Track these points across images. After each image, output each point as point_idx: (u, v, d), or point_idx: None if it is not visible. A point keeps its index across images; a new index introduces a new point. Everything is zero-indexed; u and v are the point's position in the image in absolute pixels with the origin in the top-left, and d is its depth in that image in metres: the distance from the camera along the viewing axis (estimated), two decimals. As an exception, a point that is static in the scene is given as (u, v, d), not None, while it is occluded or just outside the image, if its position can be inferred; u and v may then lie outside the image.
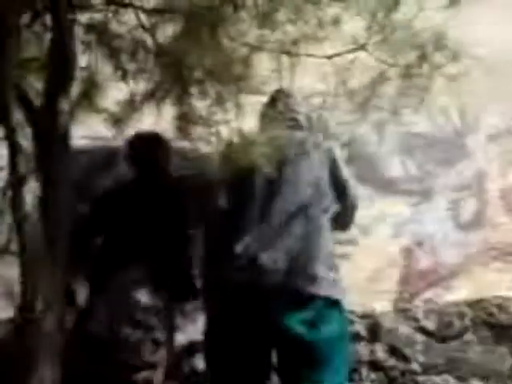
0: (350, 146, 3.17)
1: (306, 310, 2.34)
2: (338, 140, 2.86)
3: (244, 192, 2.46)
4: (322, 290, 2.35)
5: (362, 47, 2.41)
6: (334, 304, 2.39)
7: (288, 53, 2.41)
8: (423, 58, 2.36)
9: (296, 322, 2.32)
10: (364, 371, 3.07)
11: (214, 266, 2.46)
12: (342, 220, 2.60)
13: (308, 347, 2.32)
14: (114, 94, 2.82)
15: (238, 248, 2.37)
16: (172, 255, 2.66)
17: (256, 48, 2.39)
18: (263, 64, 2.41)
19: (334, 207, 2.52)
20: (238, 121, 2.39)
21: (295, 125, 2.59)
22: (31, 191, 2.28)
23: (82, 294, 2.68)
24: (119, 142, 3.23)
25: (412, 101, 2.56)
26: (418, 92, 2.42)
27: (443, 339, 3.13)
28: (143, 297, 2.52)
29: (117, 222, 2.69)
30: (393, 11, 2.37)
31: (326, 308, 2.36)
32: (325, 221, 2.47)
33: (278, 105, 2.59)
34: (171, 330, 2.61)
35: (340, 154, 2.61)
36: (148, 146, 2.82)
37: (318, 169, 2.50)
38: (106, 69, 2.78)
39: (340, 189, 2.54)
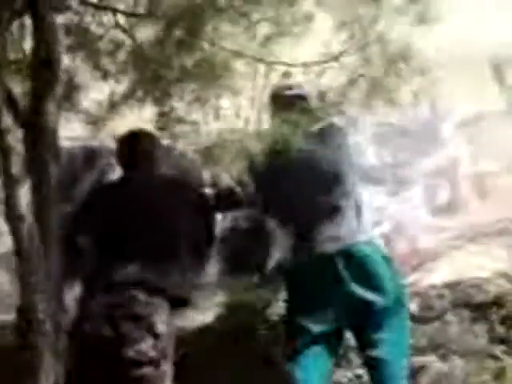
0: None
1: None
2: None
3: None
4: None
5: (336, 58, 2.50)
6: None
7: (264, 61, 2.51)
8: (391, 70, 2.46)
9: None
10: (352, 356, 3.14)
11: None
12: None
13: None
14: (94, 94, 2.84)
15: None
16: (164, 256, 2.65)
17: (235, 53, 2.46)
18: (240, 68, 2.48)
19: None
20: (218, 122, 2.47)
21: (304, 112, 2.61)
22: (24, 193, 2.29)
23: (69, 297, 2.65)
24: (98, 142, 3.24)
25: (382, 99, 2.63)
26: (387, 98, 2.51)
27: (425, 321, 3.23)
28: (141, 294, 2.52)
29: (106, 221, 2.68)
30: (372, 24, 2.47)
31: None
32: (345, 204, 2.62)
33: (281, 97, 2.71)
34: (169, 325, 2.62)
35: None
36: (137, 143, 2.83)
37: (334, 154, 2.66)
38: (86, 70, 2.80)
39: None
